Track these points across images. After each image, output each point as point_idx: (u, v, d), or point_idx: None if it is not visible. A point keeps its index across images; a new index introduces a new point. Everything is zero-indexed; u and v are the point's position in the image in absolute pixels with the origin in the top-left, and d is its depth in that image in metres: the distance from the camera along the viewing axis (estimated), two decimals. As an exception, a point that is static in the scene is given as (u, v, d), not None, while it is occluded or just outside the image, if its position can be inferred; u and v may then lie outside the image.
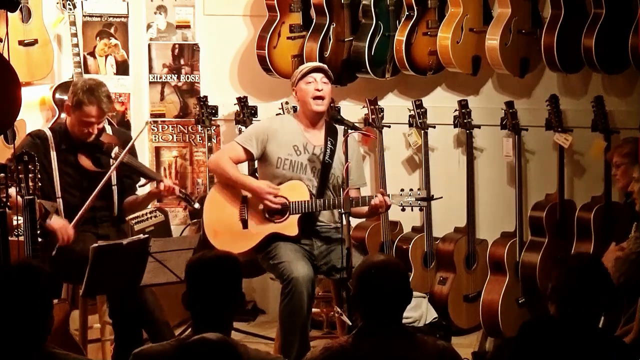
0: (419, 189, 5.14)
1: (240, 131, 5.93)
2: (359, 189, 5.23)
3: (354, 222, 5.61)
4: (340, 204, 5.02)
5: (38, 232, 4.51)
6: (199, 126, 6.27)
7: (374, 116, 5.95)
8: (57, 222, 4.87)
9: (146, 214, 6.15)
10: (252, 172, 5.72)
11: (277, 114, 5.94)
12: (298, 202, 5.08)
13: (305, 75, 5.16)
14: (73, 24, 6.05)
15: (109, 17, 6.36)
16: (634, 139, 5.18)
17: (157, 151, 6.50)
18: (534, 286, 5.66)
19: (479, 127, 5.91)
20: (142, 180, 5.24)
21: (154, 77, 6.44)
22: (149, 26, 6.43)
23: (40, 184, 4.54)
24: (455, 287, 5.92)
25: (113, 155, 5.04)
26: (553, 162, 5.78)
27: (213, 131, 6.24)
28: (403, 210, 5.12)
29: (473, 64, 5.83)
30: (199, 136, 6.44)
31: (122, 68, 6.39)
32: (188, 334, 3.45)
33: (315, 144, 5.21)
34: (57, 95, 6.02)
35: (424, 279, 5.96)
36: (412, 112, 5.95)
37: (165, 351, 3.37)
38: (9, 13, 4.93)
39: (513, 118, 5.77)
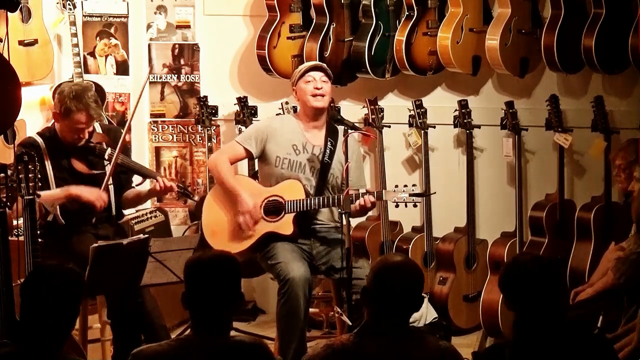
0: (413, 185, 5.11)
1: (240, 131, 5.93)
2: (358, 190, 5.23)
3: (354, 222, 5.61)
4: (336, 200, 5.02)
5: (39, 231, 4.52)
6: (199, 126, 6.27)
7: (374, 116, 5.95)
8: (90, 193, 4.92)
9: (146, 214, 6.15)
10: (253, 173, 5.72)
11: (277, 114, 5.94)
12: (293, 200, 5.08)
13: (304, 74, 5.16)
14: (73, 24, 6.05)
15: (109, 17, 6.36)
16: (636, 141, 5.18)
17: (157, 151, 6.50)
18: (534, 286, 5.65)
19: (479, 127, 5.91)
20: (139, 179, 5.24)
21: (154, 77, 6.44)
22: (149, 26, 6.44)
23: (40, 184, 4.53)
24: (455, 287, 5.92)
25: (106, 157, 5.03)
26: (553, 162, 5.78)
27: (213, 131, 6.24)
28: (397, 206, 5.11)
29: (473, 64, 5.83)
30: (199, 136, 6.44)
31: (122, 68, 6.39)
32: (187, 334, 3.45)
33: (315, 144, 5.21)
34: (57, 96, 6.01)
35: (424, 279, 5.94)
36: (412, 112, 5.95)
37: (165, 351, 3.37)
38: (9, 13, 4.93)
39: (513, 118, 5.77)
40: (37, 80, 6.04)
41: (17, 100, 4.06)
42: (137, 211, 6.01)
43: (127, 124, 5.36)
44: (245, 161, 5.68)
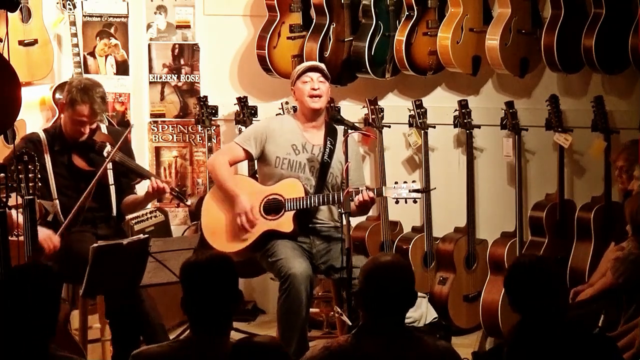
0: (413, 181, 5.11)
1: (240, 131, 5.93)
2: (358, 188, 5.23)
3: (354, 222, 5.61)
4: (335, 198, 5.03)
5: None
6: (199, 126, 6.27)
7: (374, 116, 5.95)
8: (40, 233, 4.62)
9: (146, 214, 6.15)
10: (252, 173, 5.72)
11: (277, 114, 5.95)
12: (292, 199, 5.09)
13: (301, 75, 5.17)
14: (73, 24, 6.05)
15: (109, 17, 6.36)
16: (637, 141, 5.18)
17: (157, 151, 6.50)
18: (534, 286, 5.65)
19: (479, 127, 5.91)
20: (137, 179, 5.25)
21: (154, 77, 6.44)
22: (149, 26, 6.44)
23: (40, 184, 4.54)
24: (455, 287, 5.92)
25: (105, 154, 5.04)
26: (553, 162, 5.78)
27: (213, 131, 6.24)
28: (397, 202, 5.10)
29: (473, 64, 5.83)
30: (199, 136, 6.44)
31: (122, 68, 6.39)
32: (187, 335, 3.45)
33: (315, 144, 5.21)
34: (57, 95, 6.01)
35: (424, 279, 5.96)
36: (412, 112, 5.95)
37: (165, 352, 3.37)
38: (9, 13, 4.93)
39: (513, 118, 5.77)
40: (37, 80, 6.04)
41: (17, 100, 4.06)
42: (137, 211, 6.00)
43: (120, 140, 5.30)
44: (245, 161, 5.67)
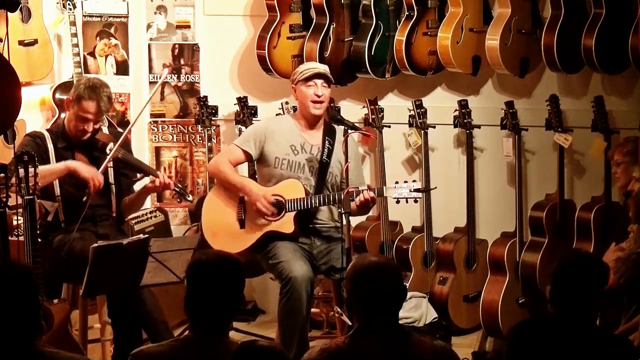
0: (414, 181, 5.12)
1: (240, 131, 5.93)
2: (357, 188, 5.23)
3: (354, 222, 5.61)
4: (336, 199, 5.03)
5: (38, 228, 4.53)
6: (199, 126, 6.27)
7: (374, 116, 5.95)
8: (87, 170, 4.93)
9: (146, 214, 6.15)
10: (252, 174, 5.72)
11: (277, 114, 5.95)
12: (293, 199, 5.09)
13: (307, 80, 5.16)
14: (73, 24, 6.05)
15: (109, 17, 6.36)
16: (635, 138, 5.19)
17: (157, 151, 6.50)
18: (534, 286, 5.65)
19: (479, 127, 5.91)
20: (137, 175, 5.25)
21: (154, 77, 6.44)
22: (149, 26, 6.44)
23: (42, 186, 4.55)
24: (455, 287, 5.92)
25: (108, 151, 5.05)
26: (553, 162, 5.78)
27: (213, 131, 6.24)
28: (397, 202, 5.10)
29: (473, 64, 5.83)
30: (199, 136, 6.44)
31: (122, 68, 6.39)
32: (188, 334, 3.45)
33: (313, 144, 5.22)
34: (57, 95, 6.02)
35: (424, 279, 5.96)
36: (412, 112, 5.95)
37: (164, 351, 3.37)
38: (9, 13, 4.93)
39: (513, 118, 5.77)
40: (37, 80, 6.04)
41: (17, 100, 4.06)
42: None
43: (124, 132, 5.33)
44: (245, 163, 5.67)
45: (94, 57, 6.35)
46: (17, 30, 5.71)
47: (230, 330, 3.46)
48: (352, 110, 6.10)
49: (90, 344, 5.14)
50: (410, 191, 5.03)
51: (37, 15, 5.92)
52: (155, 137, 6.49)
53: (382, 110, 5.97)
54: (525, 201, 5.90)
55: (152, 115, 6.49)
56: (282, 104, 6.08)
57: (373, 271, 3.35)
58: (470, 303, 5.94)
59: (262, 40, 6.03)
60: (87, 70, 6.23)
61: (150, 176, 5.15)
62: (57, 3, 6.08)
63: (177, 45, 6.44)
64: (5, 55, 4.05)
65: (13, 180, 4.37)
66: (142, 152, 6.34)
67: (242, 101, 6.14)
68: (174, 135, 6.49)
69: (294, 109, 5.74)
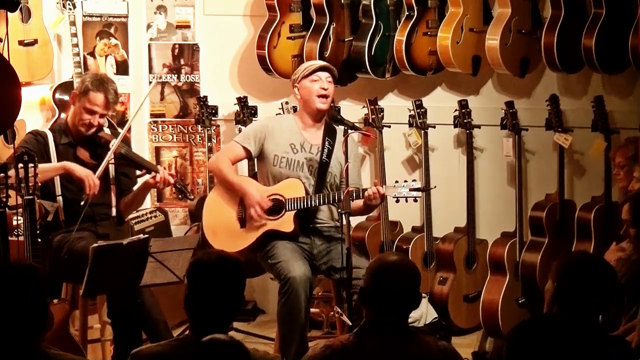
0: (413, 180, 5.11)
1: (240, 131, 5.93)
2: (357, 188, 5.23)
3: (354, 222, 5.61)
4: (336, 198, 5.03)
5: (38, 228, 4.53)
6: (199, 126, 6.28)
7: (374, 116, 5.94)
8: (83, 171, 4.93)
9: (146, 214, 6.16)
10: (252, 174, 5.72)
11: (277, 114, 5.95)
12: (293, 198, 5.09)
13: (310, 74, 5.17)
14: (73, 24, 6.05)
15: (109, 17, 6.36)
16: (636, 139, 5.18)
17: (157, 151, 6.50)
18: (534, 286, 5.65)
19: (479, 127, 5.91)
20: (138, 172, 5.25)
21: (154, 77, 6.44)
22: (149, 26, 6.44)
23: (40, 183, 4.54)
24: (455, 287, 5.92)
25: (111, 147, 5.06)
26: (553, 162, 5.78)
27: (213, 131, 6.24)
28: (397, 201, 5.09)
29: (473, 64, 5.83)
30: (199, 136, 6.44)
31: (122, 68, 6.39)
32: (186, 335, 3.44)
33: (313, 143, 5.22)
34: (57, 95, 6.02)
35: (424, 279, 5.94)
36: (412, 112, 5.94)
37: (164, 351, 3.36)
38: (9, 13, 4.93)
39: (513, 118, 5.77)
40: (37, 80, 6.04)
41: (17, 100, 4.06)
42: (137, 211, 6.00)
43: (127, 125, 5.37)
44: (245, 161, 5.68)
45: (94, 57, 6.35)
46: (17, 30, 5.71)
47: (230, 330, 3.45)
48: (352, 110, 6.10)
49: (90, 344, 5.14)
50: (410, 190, 5.02)
51: (37, 15, 5.92)
52: (155, 137, 6.49)
53: (382, 110, 5.97)
54: (525, 201, 5.90)
55: (152, 115, 6.49)
56: (282, 104, 6.08)
57: (394, 270, 3.36)
58: (470, 303, 5.94)
59: (262, 40, 6.03)
60: (87, 71, 6.22)
61: (152, 172, 5.16)
62: (57, 3, 6.08)
63: (177, 45, 6.44)
64: (5, 55, 4.04)
65: (12, 178, 4.37)
66: (142, 152, 6.33)
67: (242, 101, 6.14)
68: (174, 135, 6.50)
69: (294, 109, 5.74)
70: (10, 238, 4.42)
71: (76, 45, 6.03)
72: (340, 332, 5.20)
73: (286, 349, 4.93)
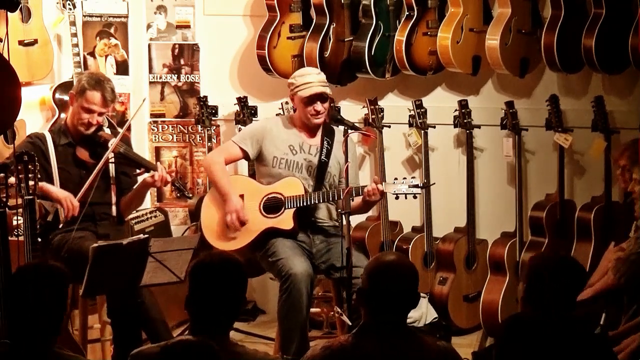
0: (412, 177, 5.11)
1: (240, 131, 5.93)
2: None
3: (354, 222, 5.61)
4: (335, 195, 5.03)
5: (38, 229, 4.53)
6: (199, 126, 6.28)
7: (374, 116, 5.94)
8: (61, 192, 4.92)
9: (146, 214, 6.16)
10: (252, 173, 5.72)
11: (277, 114, 5.95)
12: (292, 197, 5.10)
13: (306, 99, 5.12)
14: (73, 24, 6.05)
15: (109, 17, 6.36)
16: (637, 140, 5.18)
17: (157, 151, 6.50)
18: (534, 286, 5.65)
19: (479, 127, 5.91)
20: (137, 170, 5.25)
21: (154, 77, 6.44)
22: (149, 26, 6.44)
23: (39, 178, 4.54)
24: (455, 287, 5.92)
25: (110, 146, 5.06)
26: (553, 162, 5.78)
27: (213, 131, 6.24)
28: (397, 198, 5.09)
29: (473, 64, 5.83)
30: (199, 136, 6.44)
31: (122, 68, 6.39)
32: (187, 335, 3.44)
33: (312, 144, 5.22)
34: (57, 95, 6.02)
35: (424, 279, 5.95)
36: (412, 112, 5.95)
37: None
38: (9, 13, 4.92)
39: (513, 118, 5.77)
40: (37, 80, 6.04)
41: (17, 100, 4.06)
42: (137, 211, 6.00)
43: (126, 125, 5.37)
44: (245, 161, 5.67)
45: (94, 57, 6.35)
46: (17, 30, 5.71)
47: (230, 331, 3.45)
48: (352, 110, 6.10)
49: (90, 344, 5.15)
50: (409, 187, 5.02)
51: (37, 15, 5.92)
52: (155, 137, 6.49)
53: (382, 110, 5.97)
54: (525, 201, 5.90)
55: (152, 115, 6.49)
56: (282, 104, 6.08)
57: (392, 270, 3.36)
58: (470, 303, 5.94)
59: (262, 40, 6.03)
60: (87, 70, 6.22)
61: (151, 171, 5.16)
62: (57, 3, 6.08)
63: (177, 45, 6.44)
64: (5, 55, 4.04)
65: (11, 180, 4.37)
66: (142, 152, 6.33)
67: (242, 101, 6.14)
68: (174, 135, 6.50)
69: (294, 109, 5.74)
70: (10, 238, 4.42)
71: (76, 45, 6.03)
72: (340, 332, 5.20)
73: (287, 347, 4.92)
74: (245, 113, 6.11)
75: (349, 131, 4.99)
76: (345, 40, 5.98)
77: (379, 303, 3.33)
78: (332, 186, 5.22)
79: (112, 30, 6.36)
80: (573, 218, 5.66)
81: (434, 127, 5.95)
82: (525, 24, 5.71)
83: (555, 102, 5.69)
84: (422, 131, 5.93)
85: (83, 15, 6.31)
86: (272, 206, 5.14)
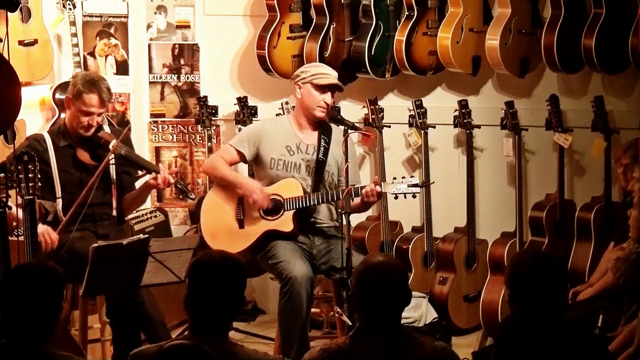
0: (411, 177, 5.11)
1: (240, 131, 5.93)
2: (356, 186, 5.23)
3: (354, 222, 5.60)
4: (335, 196, 5.03)
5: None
6: (199, 126, 6.28)
7: (374, 116, 5.95)
8: (39, 227, 4.69)
9: (146, 214, 6.16)
10: (251, 175, 5.72)
11: (277, 114, 5.95)
12: (292, 198, 5.09)
13: (321, 87, 5.12)
14: (73, 24, 6.05)
15: (109, 17, 6.36)
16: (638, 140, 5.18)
17: (157, 151, 6.50)
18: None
19: (479, 127, 5.92)
20: (139, 172, 5.25)
21: (154, 77, 6.44)
22: (149, 26, 6.44)
23: (40, 184, 4.54)
24: (455, 287, 5.92)
25: (110, 147, 5.06)
26: (553, 162, 5.79)
27: (213, 131, 6.24)
28: (396, 198, 5.08)
29: (473, 64, 5.83)
30: (199, 136, 6.44)
31: (122, 68, 6.39)
32: (186, 335, 3.44)
33: (309, 143, 5.22)
34: (57, 95, 6.01)
35: (424, 279, 5.96)
36: (412, 112, 5.95)
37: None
38: (9, 13, 4.92)
39: (513, 118, 5.77)
40: (37, 80, 6.03)
41: (17, 100, 4.06)
42: (137, 211, 6.00)
43: (124, 132, 5.33)
44: (240, 162, 5.67)
45: (94, 57, 6.35)
46: (17, 30, 5.71)
47: (230, 331, 3.45)
48: (352, 110, 6.10)
49: (90, 344, 5.14)
50: (409, 186, 5.02)
51: (37, 15, 5.92)
52: (155, 137, 6.50)
53: (382, 110, 5.97)
54: (525, 201, 5.90)
55: (152, 115, 6.49)
56: (282, 104, 6.08)
57: (380, 271, 3.36)
58: (470, 303, 5.94)
59: (262, 40, 6.03)
60: (87, 70, 6.22)
61: (153, 173, 5.15)
62: (57, 3, 6.08)
63: (177, 45, 6.44)
64: (5, 55, 4.04)
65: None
66: (142, 152, 6.34)
67: (242, 101, 6.14)
68: (174, 135, 6.50)
69: (294, 106, 5.74)
70: (10, 238, 4.42)
71: (76, 45, 6.03)
72: (340, 332, 5.20)
73: (287, 349, 4.93)
74: (245, 113, 6.11)
75: (349, 131, 4.99)
76: (345, 40, 5.99)
77: (371, 305, 3.32)
78: (331, 185, 5.22)
79: (112, 30, 6.36)
80: (573, 218, 5.66)
81: (434, 127, 5.95)
82: (525, 24, 5.71)
83: (555, 102, 5.69)
84: (422, 131, 5.93)
85: (83, 15, 6.31)
86: (272, 208, 5.14)
